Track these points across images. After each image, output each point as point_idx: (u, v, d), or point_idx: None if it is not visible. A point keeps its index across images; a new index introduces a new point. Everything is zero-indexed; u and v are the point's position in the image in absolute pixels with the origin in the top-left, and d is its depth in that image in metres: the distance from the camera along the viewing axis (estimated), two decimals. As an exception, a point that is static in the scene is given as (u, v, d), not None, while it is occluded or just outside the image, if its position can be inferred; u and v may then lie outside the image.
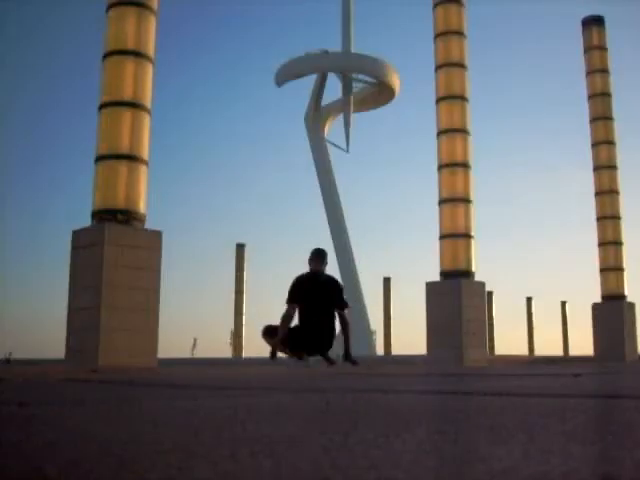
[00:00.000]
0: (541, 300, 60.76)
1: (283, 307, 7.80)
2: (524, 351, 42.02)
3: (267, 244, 64.49)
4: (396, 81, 32.07)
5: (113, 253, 8.89)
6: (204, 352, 37.71)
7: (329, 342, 7.75)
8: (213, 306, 60.70)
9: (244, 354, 38.21)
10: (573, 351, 42.42)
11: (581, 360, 19.01)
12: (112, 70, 9.89)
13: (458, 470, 1.04)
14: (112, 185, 9.49)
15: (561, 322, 48.08)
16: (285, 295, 7.71)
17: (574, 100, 41.65)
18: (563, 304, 48.16)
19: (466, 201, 14.28)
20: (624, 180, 20.34)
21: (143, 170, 9.72)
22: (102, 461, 1.13)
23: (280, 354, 7.90)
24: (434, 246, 14.47)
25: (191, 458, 1.13)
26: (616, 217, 19.70)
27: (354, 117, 32.10)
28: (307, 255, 8.04)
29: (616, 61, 21.43)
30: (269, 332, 7.80)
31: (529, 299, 46.83)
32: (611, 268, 19.37)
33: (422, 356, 14.36)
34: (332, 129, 33.48)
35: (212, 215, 67.29)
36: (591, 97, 20.45)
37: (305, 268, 8.01)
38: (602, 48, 20.63)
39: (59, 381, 4.84)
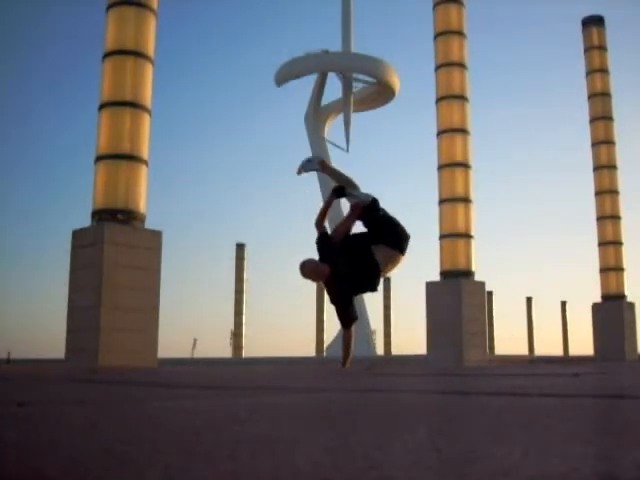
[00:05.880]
0: (541, 300, 60.79)
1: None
2: (524, 351, 42.07)
3: (267, 244, 64.53)
4: (396, 81, 32.07)
5: (113, 253, 8.90)
6: (204, 352, 37.80)
7: None
8: (213, 306, 60.73)
9: (244, 354, 38.22)
10: (573, 351, 42.47)
11: (581, 360, 19.01)
12: (112, 70, 9.89)
13: (458, 470, 1.04)
14: (112, 185, 9.50)
15: (561, 322, 48.13)
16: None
17: (574, 100, 41.66)
18: (563, 304, 48.19)
19: (466, 201, 14.28)
20: (624, 180, 20.38)
21: (143, 170, 9.72)
22: (102, 461, 1.13)
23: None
24: (434, 246, 14.48)
25: (191, 458, 1.13)
26: (616, 217, 19.70)
27: (354, 117, 32.09)
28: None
29: (616, 61, 21.44)
30: None
31: (529, 299, 46.85)
32: (611, 268, 19.37)
33: (422, 356, 14.37)
34: (332, 129, 33.49)
35: (212, 215, 67.36)
36: (591, 97, 20.45)
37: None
38: (602, 48, 20.64)
39: (59, 381, 4.84)
